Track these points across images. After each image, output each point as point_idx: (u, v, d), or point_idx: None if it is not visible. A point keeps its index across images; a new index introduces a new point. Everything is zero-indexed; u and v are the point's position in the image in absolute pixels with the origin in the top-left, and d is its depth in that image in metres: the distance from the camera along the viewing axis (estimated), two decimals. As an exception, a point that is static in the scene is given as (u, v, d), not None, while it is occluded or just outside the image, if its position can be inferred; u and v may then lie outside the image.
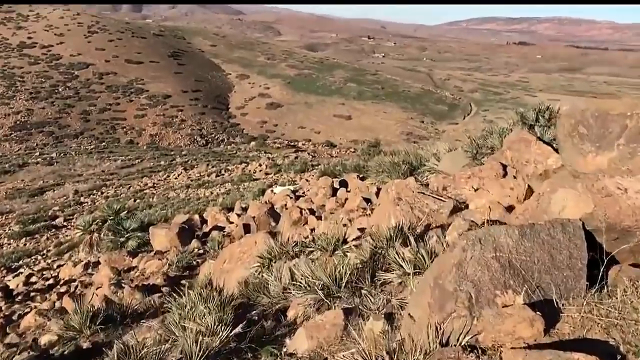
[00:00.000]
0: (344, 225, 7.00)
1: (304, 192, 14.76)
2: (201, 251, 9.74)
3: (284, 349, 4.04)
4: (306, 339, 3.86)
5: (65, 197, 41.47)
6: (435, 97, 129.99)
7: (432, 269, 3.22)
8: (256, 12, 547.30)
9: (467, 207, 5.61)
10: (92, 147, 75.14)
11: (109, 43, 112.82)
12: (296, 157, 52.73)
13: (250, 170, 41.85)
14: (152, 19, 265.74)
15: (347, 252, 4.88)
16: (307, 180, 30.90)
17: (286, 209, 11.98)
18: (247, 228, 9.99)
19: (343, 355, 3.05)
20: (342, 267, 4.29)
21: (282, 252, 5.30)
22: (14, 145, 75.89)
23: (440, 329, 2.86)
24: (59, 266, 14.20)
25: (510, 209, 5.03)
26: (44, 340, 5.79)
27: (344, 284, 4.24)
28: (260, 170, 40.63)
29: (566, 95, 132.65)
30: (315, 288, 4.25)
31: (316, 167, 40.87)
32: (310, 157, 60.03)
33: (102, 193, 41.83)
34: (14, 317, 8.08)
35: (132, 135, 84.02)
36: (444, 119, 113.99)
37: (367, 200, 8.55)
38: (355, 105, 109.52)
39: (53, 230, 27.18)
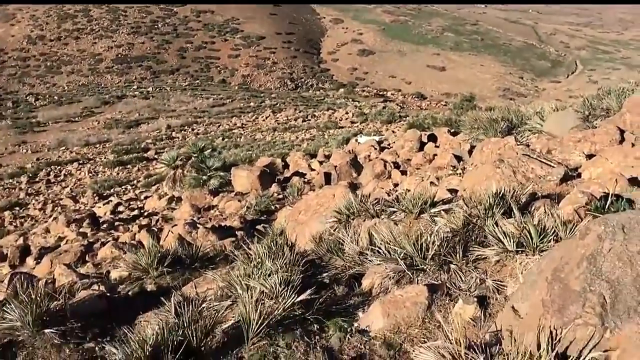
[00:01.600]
0: (431, 183, 6.47)
1: (389, 144, 14.21)
2: (280, 196, 9.59)
3: (355, 324, 3.59)
4: (382, 315, 3.39)
5: (158, 131, 43.26)
6: (538, 52, 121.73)
7: (552, 257, 2.60)
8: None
9: (579, 175, 4.92)
10: (186, 84, 77.53)
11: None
12: (384, 107, 51.64)
13: (336, 118, 41.46)
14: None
15: (436, 217, 4.34)
16: (393, 132, 30.10)
17: (370, 160, 11.53)
18: (327, 177, 9.68)
19: (427, 346, 2.60)
20: (430, 235, 3.77)
21: (361, 210, 4.85)
22: (115, 78, 79.76)
23: (558, 335, 2.26)
24: (145, 197, 14.71)
25: (634, 181, 4.31)
26: (114, 274, 5.86)
27: (430, 256, 3.70)
28: (347, 119, 40.14)
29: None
30: (397, 256, 3.74)
31: (404, 119, 39.77)
32: (399, 107, 58.63)
33: (192, 130, 43.22)
34: (97, 245, 8.38)
35: (225, 75, 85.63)
36: (545, 77, 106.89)
37: (458, 158, 7.90)
38: (450, 56, 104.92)
39: (144, 162, 28.43)
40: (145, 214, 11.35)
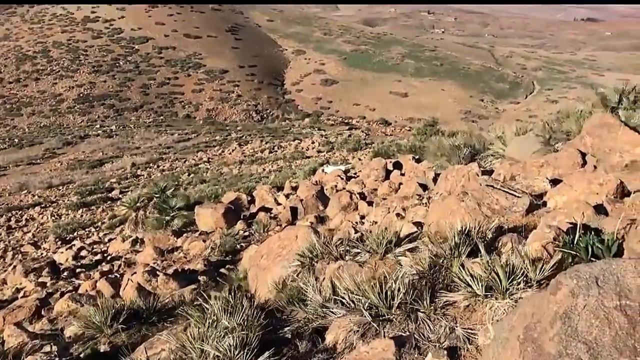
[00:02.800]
0: (397, 215, 6.37)
1: (355, 173, 14.17)
2: (246, 233, 9.35)
3: (318, 388, 3.37)
4: (348, 377, 3.15)
5: (122, 170, 42.50)
6: (496, 74, 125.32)
7: (522, 313, 2.40)
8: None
9: (544, 204, 4.81)
10: (150, 120, 76.88)
11: (169, 17, 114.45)
12: (349, 135, 52.04)
13: (303, 148, 41.54)
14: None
15: (401, 257, 4.19)
16: (359, 160, 30.26)
17: (336, 190, 11.44)
18: (294, 211, 9.53)
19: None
20: (395, 281, 3.57)
21: (325, 252, 4.64)
22: (77, 117, 78.57)
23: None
24: (109, 240, 14.27)
25: (599, 209, 4.27)
26: (68, 332, 5.48)
27: (396, 304, 3.49)
28: (313, 148, 40.24)
29: (638, 76, 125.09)
30: (361, 307, 3.53)
31: (370, 146, 40.07)
32: (364, 135, 59.16)
33: (158, 166, 42.61)
34: (57, 296, 7.95)
35: (190, 110, 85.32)
36: (504, 98, 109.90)
37: (424, 187, 7.85)
38: (412, 82, 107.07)
39: (109, 202, 27.77)
40: (109, 258, 10.94)
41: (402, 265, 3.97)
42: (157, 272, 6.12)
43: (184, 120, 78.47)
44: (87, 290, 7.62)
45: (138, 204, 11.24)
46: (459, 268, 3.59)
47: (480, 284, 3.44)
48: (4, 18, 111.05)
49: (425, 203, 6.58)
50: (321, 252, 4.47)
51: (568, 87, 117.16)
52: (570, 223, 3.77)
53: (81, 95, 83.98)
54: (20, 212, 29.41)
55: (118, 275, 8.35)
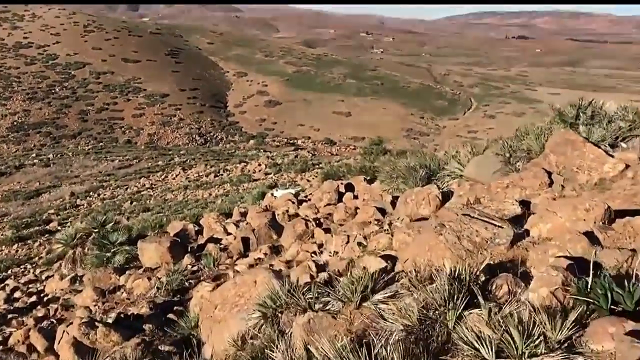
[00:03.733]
0: (359, 244, 6.06)
1: (306, 196, 13.83)
2: (195, 268, 8.72)
3: None
4: None
5: (61, 200, 40.58)
6: (435, 92, 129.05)
7: None
8: (253, 9, 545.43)
9: (527, 233, 4.49)
10: (89, 147, 74.26)
11: (106, 42, 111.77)
12: (296, 156, 51.85)
13: (249, 170, 40.93)
14: (149, 18, 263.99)
15: (382, 305, 3.59)
16: (308, 181, 30.01)
17: (288, 215, 11.05)
18: (246, 242, 9.01)
19: None
20: (382, 346, 2.98)
21: (290, 302, 3.96)
22: (11, 147, 75.03)
23: None
24: (47, 277, 13.25)
25: (590, 237, 3.95)
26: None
27: None
28: (260, 170, 39.70)
29: (567, 90, 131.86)
30: None
31: (317, 166, 39.92)
32: (310, 155, 59.15)
33: (98, 195, 40.92)
34: (-20, 351, 7.12)
35: (130, 135, 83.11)
36: (444, 115, 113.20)
37: (382, 211, 7.57)
38: (354, 102, 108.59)
39: (47, 235, 26.21)
40: (45, 299, 10.05)
41: (384, 319, 3.45)
42: (96, 324, 5.47)
43: (124, 146, 76.28)
44: (18, 341, 6.86)
45: (75, 240, 10.40)
46: (457, 323, 3.13)
47: (489, 347, 2.88)
48: None
49: (387, 230, 6.29)
50: (286, 301, 3.88)
51: (504, 102, 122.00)
52: (568, 258, 3.45)
53: (15, 123, 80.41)
54: (-51, 249, 27.37)
55: (54, 322, 7.60)
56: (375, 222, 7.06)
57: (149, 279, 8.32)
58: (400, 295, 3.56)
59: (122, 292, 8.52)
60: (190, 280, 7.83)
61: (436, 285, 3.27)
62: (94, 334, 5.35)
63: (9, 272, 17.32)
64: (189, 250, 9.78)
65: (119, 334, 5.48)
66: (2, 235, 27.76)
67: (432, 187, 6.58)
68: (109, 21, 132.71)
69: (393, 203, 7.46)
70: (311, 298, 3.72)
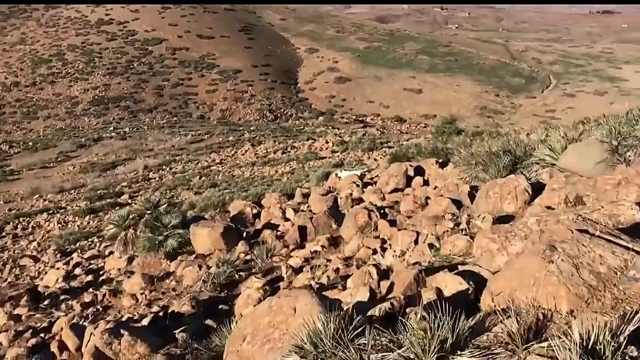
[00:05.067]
0: (430, 246, 5.19)
1: (372, 178, 12.99)
2: (248, 257, 8.13)
3: None
4: None
5: (135, 172, 41.81)
6: (511, 69, 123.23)
7: None
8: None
9: None
10: (164, 121, 76.39)
11: (182, 18, 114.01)
12: (364, 134, 50.83)
13: (316, 148, 40.39)
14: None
15: None
16: (375, 160, 29.06)
17: (352, 199, 10.29)
18: (302, 231, 8.32)
19: None
20: None
21: (336, 351, 2.73)
22: (92, 120, 78.49)
23: None
24: (110, 253, 13.27)
25: None
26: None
27: None
28: (327, 148, 39.07)
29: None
30: None
31: (385, 145, 38.81)
32: (379, 132, 57.92)
33: (170, 169, 41.82)
34: (28, 335, 6.87)
35: (204, 110, 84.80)
36: (520, 93, 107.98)
37: (458, 204, 6.61)
38: (426, 79, 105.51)
39: (117, 207, 26.86)
40: (100, 280, 9.90)
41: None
42: (122, 331, 4.95)
43: (197, 121, 77.97)
44: (59, 331, 6.55)
45: (128, 222, 10.15)
46: None
47: None
48: (19, 22, 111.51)
49: (464, 230, 5.38)
50: (331, 350, 2.57)
51: (585, 80, 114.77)
52: None
53: (96, 97, 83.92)
54: (28, 219, 28.72)
55: (100, 309, 7.29)
56: (450, 217, 6.14)
57: (200, 267, 7.85)
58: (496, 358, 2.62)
59: (172, 280, 8.11)
60: (241, 273, 7.27)
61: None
62: (117, 344, 4.84)
63: (77, 244, 17.72)
64: (244, 236, 9.25)
65: (147, 345, 4.93)
66: (77, 206, 28.76)
67: (519, 179, 5.56)
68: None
69: (471, 195, 6.49)
70: (364, 349, 2.74)
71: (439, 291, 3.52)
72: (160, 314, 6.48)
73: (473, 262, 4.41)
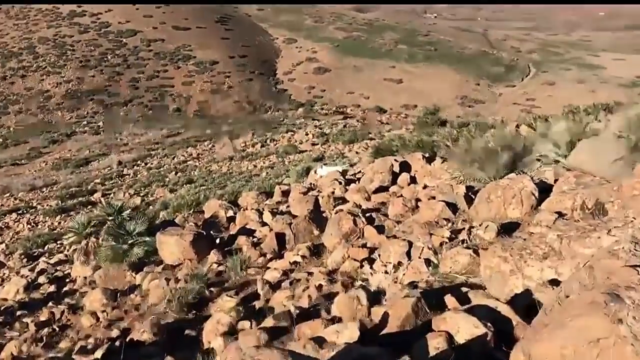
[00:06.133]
0: (427, 262, 4.54)
1: (355, 174, 12.35)
2: (221, 268, 7.34)
3: None
4: None
5: (109, 168, 40.66)
6: (491, 58, 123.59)
7: None
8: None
9: None
10: (139, 115, 74.86)
11: (157, 10, 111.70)
12: (345, 126, 50.20)
13: (296, 141, 39.62)
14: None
15: None
16: (357, 153, 28.44)
17: (334, 199, 9.62)
18: (281, 238, 7.56)
19: None
20: None
21: None
22: (65, 114, 76.55)
23: None
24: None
25: None
26: None
27: None
28: (307, 141, 38.34)
29: (634, 56, 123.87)
30: None
31: (366, 137, 38.20)
32: (360, 124, 57.35)
33: (145, 164, 40.75)
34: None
35: (180, 103, 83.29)
36: (500, 82, 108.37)
37: (453, 207, 5.94)
38: (406, 68, 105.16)
39: (89, 207, 25.88)
40: (63, 291, 9.10)
41: None
42: None
43: (174, 114, 76.57)
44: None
45: (89, 229, 9.30)
46: None
47: None
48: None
49: (466, 241, 4.70)
50: None
51: (564, 69, 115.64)
52: None
53: (69, 91, 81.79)
54: (-4, 219, 27.52)
55: (56, 330, 6.54)
56: (445, 224, 5.48)
57: (167, 280, 7.10)
58: None
59: (136, 295, 7.36)
60: (212, 288, 6.53)
61: None
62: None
63: (45, 247, 16.80)
64: (217, 242, 8.51)
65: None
66: (48, 205, 27.66)
67: (524, 180, 4.92)
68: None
69: (468, 197, 5.82)
70: None
71: (449, 337, 2.87)
72: (117, 343, 5.74)
73: (480, 283, 3.79)
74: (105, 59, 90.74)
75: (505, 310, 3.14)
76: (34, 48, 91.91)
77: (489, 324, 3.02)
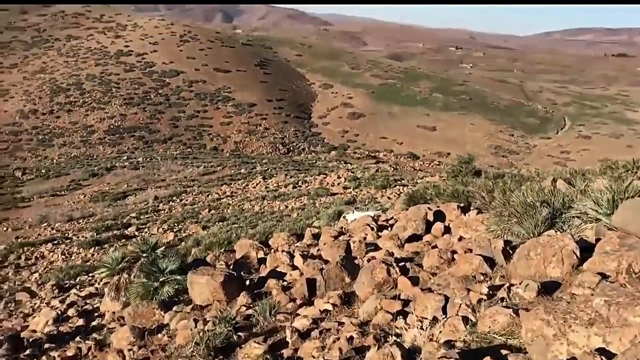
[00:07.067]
0: (464, 319, 4.38)
1: (387, 220, 12.22)
2: (250, 312, 7.24)
3: None
4: None
5: (145, 203, 41.35)
6: (526, 109, 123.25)
7: None
8: (342, 22, 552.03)
9: None
10: (178, 152, 76.56)
11: (200, 52, 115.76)
12: (377, 170, 50.14)
13: (327, 183, 39.68)
14: (242, 29, 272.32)
15: None
16: (389, 198, 28.28)
17: (366, 244, 9.51)
18: (311, 284, 7.45)
19: None
20: None
21: None
22: (107, 149, 79.01)
23: None
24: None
25: None
26: None
27: None
28: (339, 184, 38.35)
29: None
30: None
31: (399, 182, 38.01)
32: (392, 169, 57.23)
33: (180, 200, 41.32)
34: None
35: (217, 142, 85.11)
36: (535, 133, 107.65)
37: (490, 262, 5.78)
38: (440, 117, 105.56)
39: (123, 240, 26.25)
40: (91, 326, 9.14)
41: None
42: None
43: (210, 153, 78.17)
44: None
45: (121, 265, 9.39)
46: None
47: None
48: (41, 52, 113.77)
49: (505, 299, 4.53)
50: None
51: (600, 122, 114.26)
52: None
53: (112, 127, 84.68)
54: (33, 248, 28.19)
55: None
56: (483, 279, 5.32)
57: (195, 322, 7.04)
58: None
59: (164, 335, 7.32)
60: (240, 333, 6.44)
61: None
62: None
63: (77, 279, 17.01)
64: (247, 284, 8.44)
65: None
66: (83, 237, 28.17)
67: (565, 238, 4.77)
68: (204, 32, 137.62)
69: (505, 252, 5.67)
70: None
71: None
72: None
73: (520, 345, 3.63)
74: (148, 97, 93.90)
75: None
76: (81, 84, 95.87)
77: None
